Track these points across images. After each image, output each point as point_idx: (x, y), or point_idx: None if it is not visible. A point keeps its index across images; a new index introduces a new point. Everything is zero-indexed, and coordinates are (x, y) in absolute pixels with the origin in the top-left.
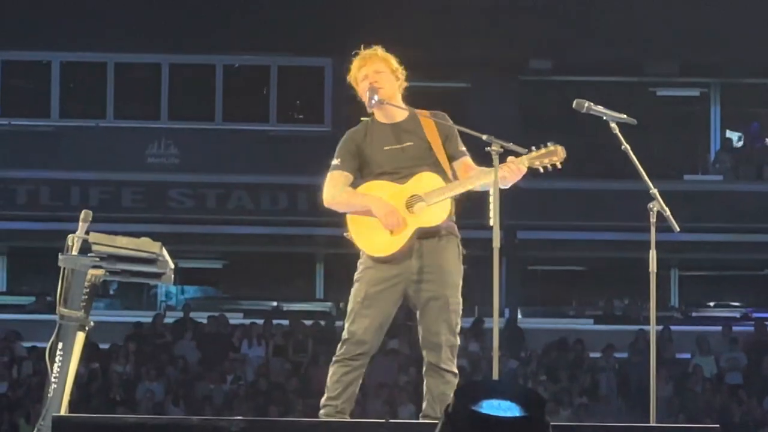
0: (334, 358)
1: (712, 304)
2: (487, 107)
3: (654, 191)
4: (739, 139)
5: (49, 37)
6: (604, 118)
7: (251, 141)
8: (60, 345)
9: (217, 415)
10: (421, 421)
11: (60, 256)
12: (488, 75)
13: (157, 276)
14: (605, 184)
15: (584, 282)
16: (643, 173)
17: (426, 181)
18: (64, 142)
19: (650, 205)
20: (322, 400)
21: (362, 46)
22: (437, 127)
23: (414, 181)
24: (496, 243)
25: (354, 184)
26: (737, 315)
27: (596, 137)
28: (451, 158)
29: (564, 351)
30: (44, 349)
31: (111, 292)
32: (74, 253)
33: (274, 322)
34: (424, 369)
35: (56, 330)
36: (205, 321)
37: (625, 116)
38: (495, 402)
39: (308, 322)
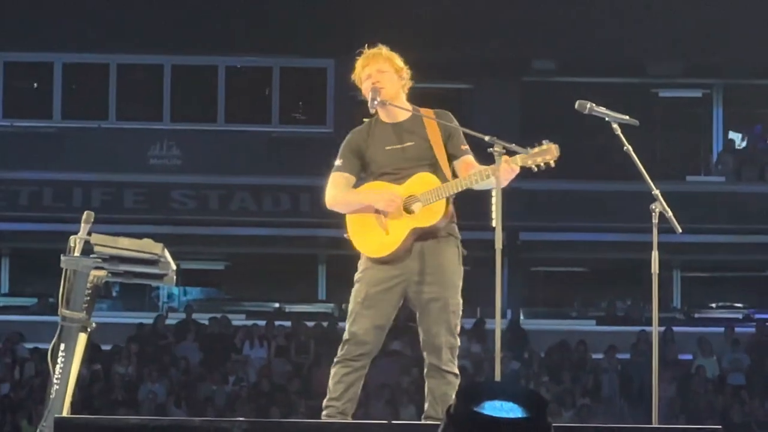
0: (335, 359)
1: (714, 305)
2: (490, 108)
3: (656, 192)
4: (742, 140)
5: (51, 38)
6: (607, 119)
7: (253, 142)
8: (62, 346)
9: (219, 417)
10: (423, 422)
11: (62, 258)
12: (491, 76)
13: (159, 277)
14: (607, 186)
15: (586, 283)
16: (646, 174)
17: (423, 181)
18: (66, 143)
19: (652, 206)
20: (324, 402)
21: (367, 45)
22: (440, 127)
23: (411, 182)
24: (499, 244)
25: (357, 185)
26: (740, 316)
27: (598, 138)
28: (453, 157)
29: (566, 352)
30: (46, 350)
31: (113, 293)
32: (76, 254)
33: (276, 323)
34: (425, 370)
35: (58, 331)
36: (207, 322)
37: (627, 117)
38: (497, 403)
39: (310, 324)
